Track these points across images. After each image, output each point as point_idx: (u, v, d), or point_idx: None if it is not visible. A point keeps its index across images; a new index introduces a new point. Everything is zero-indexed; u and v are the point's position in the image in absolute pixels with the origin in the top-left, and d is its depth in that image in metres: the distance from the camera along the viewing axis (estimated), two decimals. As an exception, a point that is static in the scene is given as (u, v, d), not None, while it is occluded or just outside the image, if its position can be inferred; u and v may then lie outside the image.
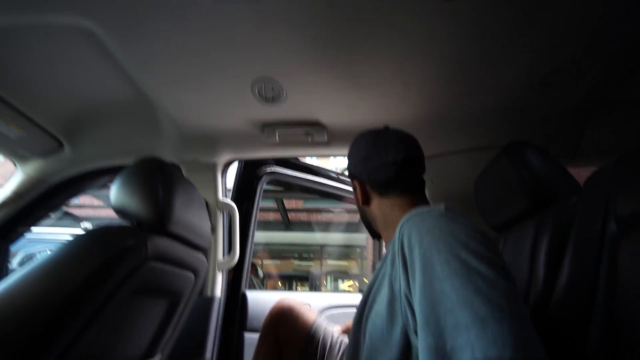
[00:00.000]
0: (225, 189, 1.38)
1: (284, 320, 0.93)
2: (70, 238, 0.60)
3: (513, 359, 0.30)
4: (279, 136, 1.16)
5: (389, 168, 0.66)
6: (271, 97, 0.99)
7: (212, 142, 1.24)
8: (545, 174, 0.70)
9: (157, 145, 1.27)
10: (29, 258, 2.95)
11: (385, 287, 0.50)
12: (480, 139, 1.16)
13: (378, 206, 0.70)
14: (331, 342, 0.90)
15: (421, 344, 0.37)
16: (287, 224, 7.73)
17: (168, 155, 1.30)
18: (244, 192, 1.49)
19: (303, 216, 8.14)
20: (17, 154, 1.26)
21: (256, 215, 1.51)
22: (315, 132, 1.13)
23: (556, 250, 0.58)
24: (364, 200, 0.71)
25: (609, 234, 0.43)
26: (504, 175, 0.77)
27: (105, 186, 1.39)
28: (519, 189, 0.71)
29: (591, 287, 0.42)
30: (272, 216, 7.88)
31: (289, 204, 7.40)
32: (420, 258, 0.41)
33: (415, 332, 0.40)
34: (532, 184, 0.69)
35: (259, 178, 1.52)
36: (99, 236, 0.61)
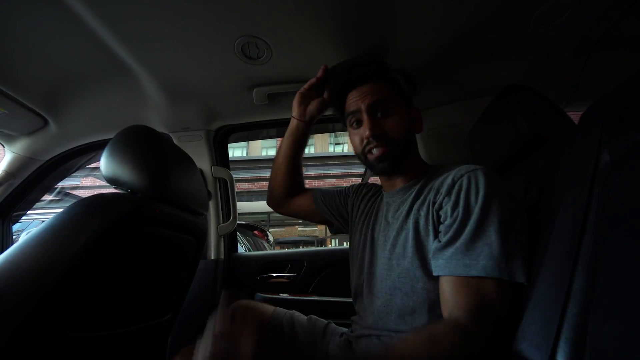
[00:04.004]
0: (219, 157, 1.36)
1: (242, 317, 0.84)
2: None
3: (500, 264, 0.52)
4: (268, 97, 1.12)
5: None
6: (256, 55, 0.95)
7: (200, 108, 1.21)
8: (541, 115, 0.68)
9: (145, 116, 1.24)
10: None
11: (418, 215, 0.65)
12: (474, 88, 1.13)
13: (413, 139, 0.76)
14: (298, 322, 0.83)
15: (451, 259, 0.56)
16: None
17: (158, 126, 1.27)
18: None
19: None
20: (3, 134, 1.23)
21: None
22: (305, 90, 1.09)
23: (548, 185, 0.58)
24: (420, 127, 0.77)
25: (602, 165, 0.42)
26: (499, 118, 0.76)
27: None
28: (515, 131, 0.70)
29: (582, 218, 0.42)
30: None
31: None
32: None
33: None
34: (527, 124, 0.67)
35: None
36: (94, 204, 0.61)
